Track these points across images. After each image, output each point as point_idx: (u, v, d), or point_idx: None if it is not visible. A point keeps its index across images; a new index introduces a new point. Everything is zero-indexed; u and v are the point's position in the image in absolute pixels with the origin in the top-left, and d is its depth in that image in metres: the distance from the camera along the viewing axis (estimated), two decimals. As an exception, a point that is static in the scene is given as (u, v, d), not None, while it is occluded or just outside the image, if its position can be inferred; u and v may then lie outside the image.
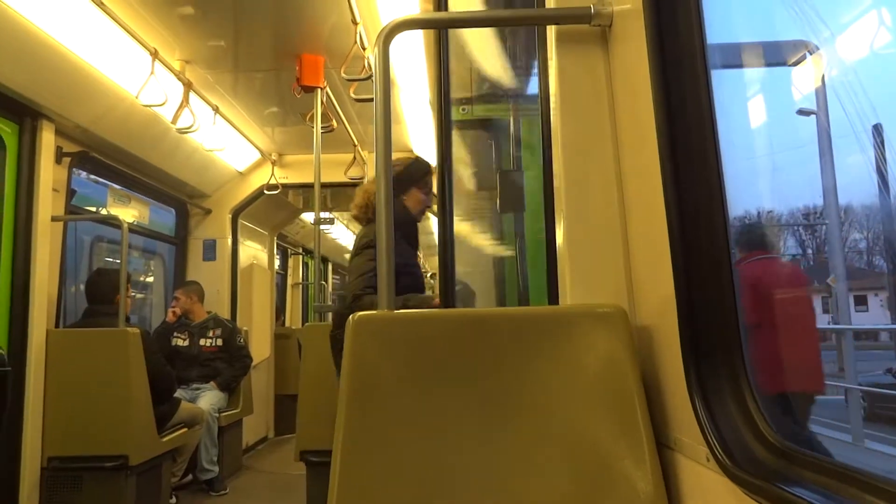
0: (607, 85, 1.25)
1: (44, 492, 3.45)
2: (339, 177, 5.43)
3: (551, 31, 1.32)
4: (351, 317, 1.16)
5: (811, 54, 1.57)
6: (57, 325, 3.74)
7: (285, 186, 5.90)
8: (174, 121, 4.01)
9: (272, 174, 5.71)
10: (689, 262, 0.95)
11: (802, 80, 1.64)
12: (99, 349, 3.61)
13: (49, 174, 3.54)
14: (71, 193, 3.90)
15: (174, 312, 5.03)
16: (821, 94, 1.64)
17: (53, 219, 3.59)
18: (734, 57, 1.50)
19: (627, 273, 1.21)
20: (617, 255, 1.22)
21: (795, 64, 1.60)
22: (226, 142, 4.87)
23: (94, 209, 4.72)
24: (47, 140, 3.52)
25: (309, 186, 5.34)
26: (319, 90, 4.03)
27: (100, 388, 3.54)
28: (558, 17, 1.28)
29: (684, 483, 1.01)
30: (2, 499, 3.23)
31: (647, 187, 1.06)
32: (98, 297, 3.91)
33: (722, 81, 1.04)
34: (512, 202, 2.52)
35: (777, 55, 1.64)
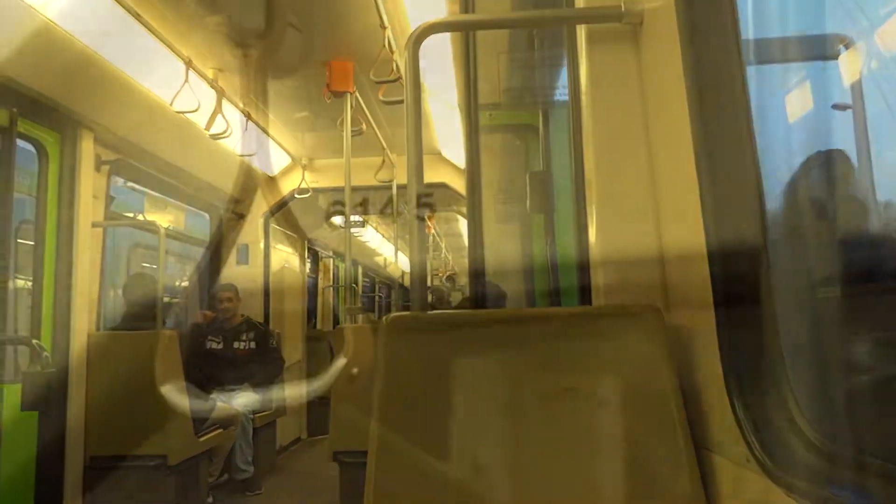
0: (639, 83, 1.24)
1: (87, 489, 3.56)
2: (368, 180, 5.48)
3: (581, 30, 1.32)
4: (384, 317, 1.18)
5: (847, 48, 1.54)
6: (97, 328, 3.85)
7: (316, 190, 5.97)
8: (207, 127, 4.09)
9: (303, 178, 5.78)
10: (727, 261, 0.94)
11: (839, 74, 1.60)
12: (138, 351, 3.70)
13: (89, 182, 3.64)
14: (110, 200, 4.01)
15: (204, 315, 5.12)
16: (857, 87, 1.60)
17: (94, 225, 3.69)
18: (769, 52, 1.48)
19: (661, 272, 1.20)
20: (651, 254, 1.21)
21: (831, 58, 1.57)
22: (257, 147, 4.95)
23: (131, 215, 4.85)
24: (87, 149, 3.63)
25: (339, 190, 5.40)
26: (349, 95, 4.08)
27: (139, 389, 3.63)
28: (588, 17, 1.28)
29: (724, 485, 1.00)
30: (48, 496, 3.33)
31: (681, 185, 1.05)
32: (136, 301, 4.02)
33: (757, 77, 1.03)
34: (541, 203, 2.52)
35: (812, 49, 1.61)
